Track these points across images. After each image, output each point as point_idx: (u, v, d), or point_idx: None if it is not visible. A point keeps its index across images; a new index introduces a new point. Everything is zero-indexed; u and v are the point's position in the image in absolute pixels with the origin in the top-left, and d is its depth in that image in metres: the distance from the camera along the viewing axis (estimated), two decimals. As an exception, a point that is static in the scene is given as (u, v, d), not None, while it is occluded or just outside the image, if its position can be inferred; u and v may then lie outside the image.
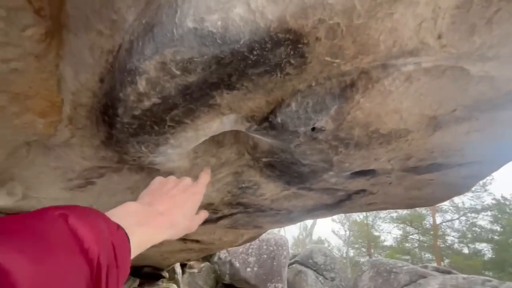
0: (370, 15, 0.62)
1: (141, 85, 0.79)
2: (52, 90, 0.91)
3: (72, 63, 0.88)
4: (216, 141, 1.39)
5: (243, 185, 1.68)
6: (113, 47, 0.81)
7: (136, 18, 0.75)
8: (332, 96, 0.80)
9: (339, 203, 1.85)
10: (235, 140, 1.38)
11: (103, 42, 0.82)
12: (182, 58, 0.71)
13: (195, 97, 0.84)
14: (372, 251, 18.70)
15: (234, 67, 0.74)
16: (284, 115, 0.89)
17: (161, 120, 0.94)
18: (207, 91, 0.83)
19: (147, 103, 0.85)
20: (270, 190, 1.69)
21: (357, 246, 20.01)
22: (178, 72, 0.75)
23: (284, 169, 1.36)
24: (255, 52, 0.70)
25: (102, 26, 0.79)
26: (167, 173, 1.58)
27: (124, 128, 0.97)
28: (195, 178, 1.77)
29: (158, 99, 0.83)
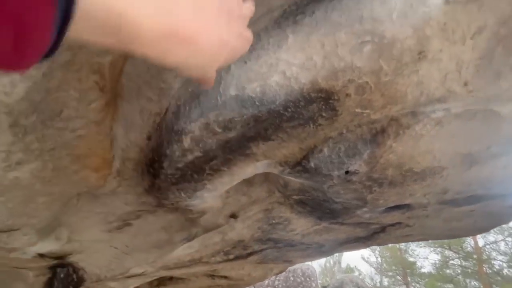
0: (397, 73, 0.67)
1: (186, 142, 0.88)
2: (106, 149, 1.02)
3: (124, 124, 1.00)
4: (247, 180, 1.44)
5: (274, 221, 1.69)
6: (161, 110, 0.92)
7: (182, 85, 0.86)
8: (364, 141, 0.84)
9: (373, 235, 1.79)
10: (265, 179, 1.43)
11: (152, 106, 0.93)
12: (224, 119, 0.80)
13: (234, 149, 0.92)
14: (409, 279, 17.14)
15: (270, 122, 0.81)
16: (317, 160, 0.93)
17: (201, 169, 1.02)
18: (245, 143, 0.90)
19: (190, 157, 0.93)
20: (301, 225, 1.69)
21: (391, 274, 18.46)
22: (219, 130, 0.83)
23: (315, 206, 1.37)
24: (289, 110, 0.77)
25: (151, 93, 0.91)
26: (200, 213, 1.64)
27: (167, 178, 1.06)
28: (226, 217, 1.80)
29: (200, 153, 0.91)
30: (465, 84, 0.71)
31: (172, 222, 1.79)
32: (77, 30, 0.21)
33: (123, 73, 0.89)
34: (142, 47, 0.24)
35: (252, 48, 0.69)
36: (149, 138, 1.00)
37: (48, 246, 1.62)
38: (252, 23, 0.73)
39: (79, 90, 0.75)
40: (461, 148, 0.86)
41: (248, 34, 0.34)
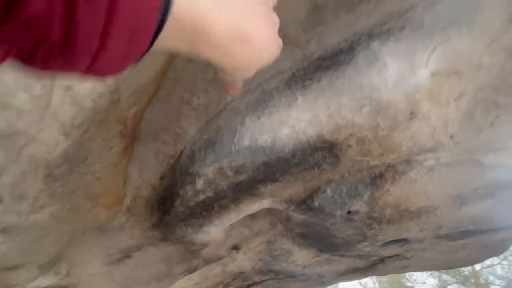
0: (392, 129, 0.76)
1: (199, 184, 0.94)
2: (119, 187, 1.07)
3: (138, 164, 1.05)
4: (251, 213, 1.49)
5: (275, 253, 1.71)
6: (175, 153, 0.99)
7: (197, 132, 0.93)
8: (364, 184, 0.92)
9: (372, 266, 1.82)
10: (268, 212, 1.47)
11: (167, 149, 1.00)
12: (237, 164, 0.87)
13: (243, 189, 0.98)
14: (408, 306, 16.59)
15: (279, 167, 0.88)
16: (320, 200, 1.00)
17: (210, 207, 1.07)
18: (254, 185, 0.96)
19: (202, 197, 0.99)
20: (302, 256, 1.71)
21: (389, 300, 17.88)
22: (231, 174, 0.90)
23: (317, 239, 1.41)
24: (297, 157, 0.85)
25: (168, 137, 0.98)
26: (202, 245, 1.66)
27: (177, 215, 1.10)
28: (228, 248, 1.81)
29: (212, 193, 0.97)
30: (452, 137, 0.81)
31: (173, 254, 1.78)
32: (161, 36, 0.22)
33: (142, 119, 0.96)
34: (208, 49, 0.26)
35: (265, 105, 0.78)
36: (162, 178, 1.05)
37: (47, 281, 1.59)
38: (265, 82, 0.83)
39: (105, 139, 0.81)
40: (452, 190, 0.95)
41: (280, 41, 0.35)
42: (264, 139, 0.80)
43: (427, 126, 0.78)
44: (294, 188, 1.00)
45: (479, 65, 0.68)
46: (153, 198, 1.12)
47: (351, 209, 0.97)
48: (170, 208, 1.08)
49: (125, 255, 1.78)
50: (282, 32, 0.83)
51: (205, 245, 1.65)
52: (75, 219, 1.06)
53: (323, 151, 0.83)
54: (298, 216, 1.28)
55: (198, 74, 0.87)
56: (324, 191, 0.98)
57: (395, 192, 0.92)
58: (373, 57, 0.66)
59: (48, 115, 0.50)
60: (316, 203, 1.01)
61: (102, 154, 0.87)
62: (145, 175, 1.07)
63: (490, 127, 0.79)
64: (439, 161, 0.84)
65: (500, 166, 0.85)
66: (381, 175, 0.89)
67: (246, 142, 0.81)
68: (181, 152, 0.98)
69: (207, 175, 0.91)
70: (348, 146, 0.81)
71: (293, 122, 0.76)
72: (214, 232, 1.35)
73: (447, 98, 0.73)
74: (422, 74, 0.67)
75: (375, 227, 1.09)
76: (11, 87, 0.43)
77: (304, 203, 1.05)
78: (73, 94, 0.50)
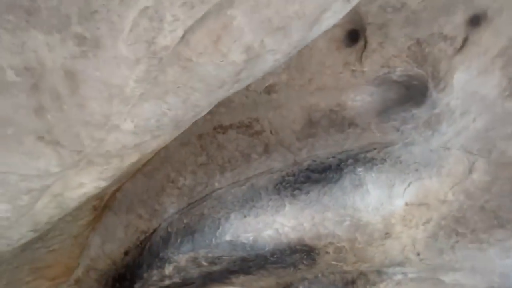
0: (368, 244, 0.81)
1: (168, 270, 0.87)
2: (73, 257, 0.95)
3: (102, 234, 0.96)
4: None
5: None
6: (148, 229, 0.93)
7: (177, 212, 0.90)
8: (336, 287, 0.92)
9: None
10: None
11: (140, 223, 0.93)
12: (213, 256, 0.83)
13: (214, 278, 0.92)
14: None
15: (256, 262, 0.86)
16: (291, 297, 0.97)
17: (173, 291, 0.98)
18: (226, 275, 0.92)
19: (167, 282, 0.91)
20: None
21: None
22: (205, 264, 0.85)
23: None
24: (275, 256, 0.84)
25: (144, 211, 0.93)
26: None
27: (133, 296, 0.99)
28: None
29: (179, 280, 0.90)
30: (418, 254, 0.87)
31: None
32: None
33: (121, 189, 0.91)
34: None
35: (253, 205, 0.79)
36: (126, 253, 0.96)
37: None
38: (254, 177, 0.85)
39: (75, 215, 0.75)
40: (415, 301, 0.98)
41: None
42: (247, 237, 0.79)
43: (398, 244, 0.83)
44: (267, 281, 0.97)
45: (444, 200, 0.78)
46: (109, 273, 1.00)
47: (321, 311, 0.95)
48: (127, 288, 0.97)
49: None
50: (278, 137, 0.88)
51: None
52: (8, 292, 0.90)
53: (301, 253, 0.84)
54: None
55: (189, 157, 0.88)
56: (296, 288, 0.96)
57: (365, 300, 0.93)
58: (358, 182, 0.72)
59: (24, 218, 0.45)
60: (286, 300, 0.98)
61: (65, 227, 0.78)
62: (107, 247, 0.97)
63: (450, 249, 0.87)
64: (406, 276, 0.88)
65: (458, 285, 0.92)
66: (353, 282, 0.91)
67: (228, 237, 0.79)
68: (155, 230, 0.92)
69: (179, 262, 0.86)
70: (326, 252, 0.83)
71: (278, 226, 0.77)
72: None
73: (417, 223, 0.81)
74: (398, 203, 0.74)
75: (341, 329, 1.06)
76: (-5, 198, 0.39)
77: (274, 296, 1.01)
78: (60, 200, 0.47)
